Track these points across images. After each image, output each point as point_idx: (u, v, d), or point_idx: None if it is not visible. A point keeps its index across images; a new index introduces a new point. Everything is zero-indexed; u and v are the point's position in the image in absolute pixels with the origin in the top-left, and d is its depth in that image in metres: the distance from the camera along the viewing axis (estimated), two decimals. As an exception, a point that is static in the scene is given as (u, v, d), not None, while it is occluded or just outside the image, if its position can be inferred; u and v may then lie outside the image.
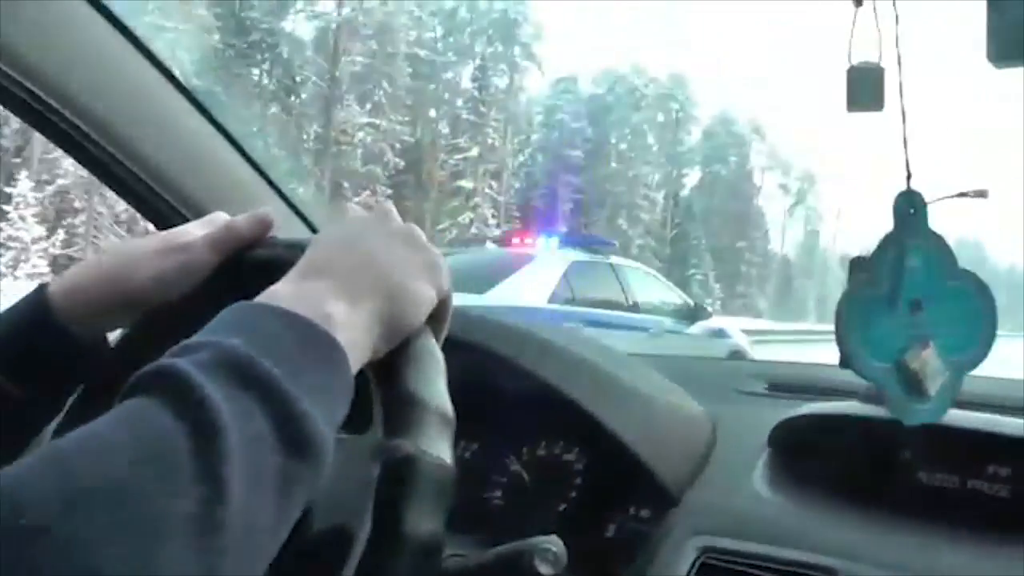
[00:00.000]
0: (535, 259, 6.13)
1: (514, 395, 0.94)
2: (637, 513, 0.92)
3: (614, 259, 6.97)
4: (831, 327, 0.76)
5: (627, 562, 0.87)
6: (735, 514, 0.88)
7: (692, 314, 7.08)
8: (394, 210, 0.53)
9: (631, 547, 0.88)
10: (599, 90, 45.00)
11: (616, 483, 0.93)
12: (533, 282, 5.90)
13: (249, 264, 0.58)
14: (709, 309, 7.68)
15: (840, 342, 0.71)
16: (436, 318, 0.50)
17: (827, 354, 0.97)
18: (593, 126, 42.73)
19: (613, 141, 43.25)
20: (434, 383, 0.46)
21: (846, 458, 0.92)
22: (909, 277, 0.70)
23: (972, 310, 0.74)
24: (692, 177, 48.47)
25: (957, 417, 0.90)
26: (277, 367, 0.37)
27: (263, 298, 0.43)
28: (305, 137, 32.53)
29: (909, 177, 0.71)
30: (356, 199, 29.33)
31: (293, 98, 32.03)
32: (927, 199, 0.71)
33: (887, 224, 0.71)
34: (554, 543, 0.49)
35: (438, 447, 0.43)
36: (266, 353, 0.38)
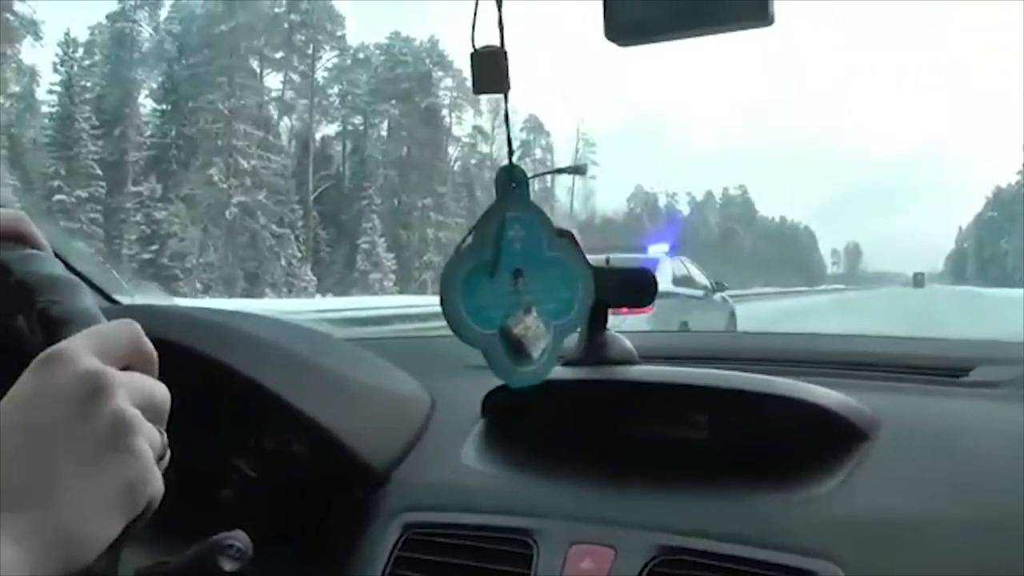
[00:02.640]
0: (660, 261, 9.13)
1: (228, 391, 0.94)
2: (353, 495, 0.95)
3: (682, 258, 10.61)
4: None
5: (347, 543, 0.90)
6: (440, 487, 0.92)
7: (716, 288, 10.73)
8: (110, 387, 0.39)
9: (350, 529, 0.92)
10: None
11: (333, 468, 0.96)
12: (665, 275, 8.92)
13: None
14: (726, 284, 11.42)
15: (446, 310, 0.74)
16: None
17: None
18: (182, 46, 30.99)
19: (218, 65, 30.79)
20: None
21: (554, 421, 0.96)
22: (509, 247, 0.75)
23: (570, 277, 0.80)
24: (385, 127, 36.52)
25: (660, 372, 0.98)
26: None
27: None
28: None
29: (511, 153, 0.76)
30: None
31: None
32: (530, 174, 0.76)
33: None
34: (238, 538, 0.48)
35: None
36: None
